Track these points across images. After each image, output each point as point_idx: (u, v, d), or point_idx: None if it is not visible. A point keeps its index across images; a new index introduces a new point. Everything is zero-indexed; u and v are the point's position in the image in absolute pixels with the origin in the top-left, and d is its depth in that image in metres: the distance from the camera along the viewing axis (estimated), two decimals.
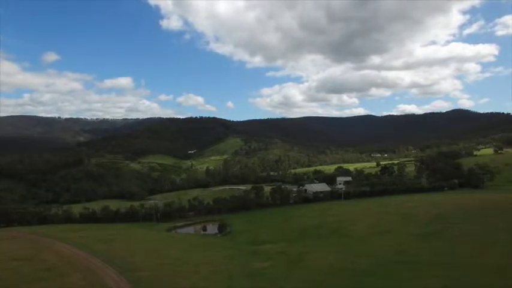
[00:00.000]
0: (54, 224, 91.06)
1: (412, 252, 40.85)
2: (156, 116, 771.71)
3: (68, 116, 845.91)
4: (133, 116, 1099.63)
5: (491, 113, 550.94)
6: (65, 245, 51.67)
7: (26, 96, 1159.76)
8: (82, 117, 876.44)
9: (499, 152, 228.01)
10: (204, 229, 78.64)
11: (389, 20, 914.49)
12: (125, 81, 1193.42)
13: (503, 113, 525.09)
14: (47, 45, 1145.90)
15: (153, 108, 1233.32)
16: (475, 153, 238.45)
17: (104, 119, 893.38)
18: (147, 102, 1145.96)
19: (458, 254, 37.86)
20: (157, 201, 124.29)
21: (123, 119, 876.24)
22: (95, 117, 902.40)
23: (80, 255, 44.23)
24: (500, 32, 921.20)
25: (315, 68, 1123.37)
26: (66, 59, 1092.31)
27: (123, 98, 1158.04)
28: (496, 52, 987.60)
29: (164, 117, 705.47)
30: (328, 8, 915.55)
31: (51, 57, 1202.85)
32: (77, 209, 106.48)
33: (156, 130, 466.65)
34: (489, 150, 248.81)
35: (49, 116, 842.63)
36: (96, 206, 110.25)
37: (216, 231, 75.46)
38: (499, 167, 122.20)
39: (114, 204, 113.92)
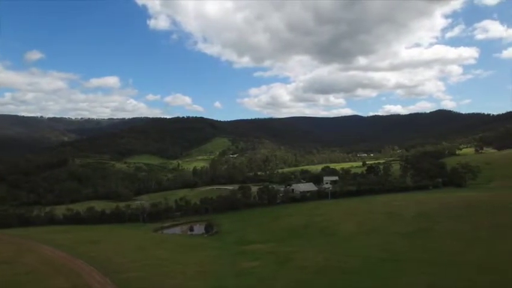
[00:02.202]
0: (37, 226, 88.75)
1: (398, 250, 41.42)
2: (143, 116, 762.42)
3: (51, 116, 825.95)
4: (120, 115, 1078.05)
5: (473, 114, 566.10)
6: (48, 247, 50.36)
7: (8, 95, 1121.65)
8: (66, 116, 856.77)
9: (480, 151, 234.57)
10: (191, 229, 78.02)
11: (375, 22, 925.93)
12: (111, 80, 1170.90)
13: (483, 113, 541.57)
14: (31, 43, 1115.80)
15: (140, 108, 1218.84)
16: (457, 152, 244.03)
17: (89, 118, 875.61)
18: (134, 102, 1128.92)
19: (443, 252, 38.58)
20: (143, 201, 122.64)
21: (109, 118, 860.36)
22: (79, 117, 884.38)
23: (63, 258, 43.18)
24: (479, 35, 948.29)
25: (303, 69, 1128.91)
26: (50, 57, 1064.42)
27: (110, 97, 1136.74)
28: (476, 55, 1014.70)
29: (151, 117, 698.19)
30: (316, 9, 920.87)
31: (34, 55, 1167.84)
32: (60, 210, 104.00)
33: (142, 130, 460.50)
34: (471, 150, 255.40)
35: (31, 115, 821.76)
36: (80, 207, 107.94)
37: (203, 231, 75.01)
38: (480, 166, 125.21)
39: (99, 205, 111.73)
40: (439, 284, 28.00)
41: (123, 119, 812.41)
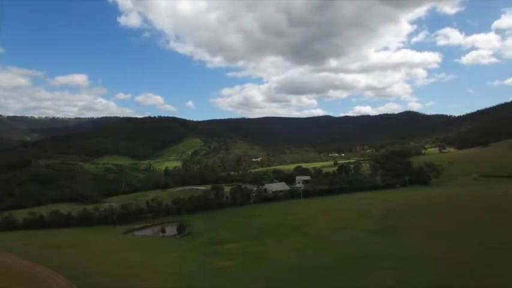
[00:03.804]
0: None
1: (368, 246, 42.59)
2: (113, 115, 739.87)
3: (12, 115, 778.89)
4: (88, 115, 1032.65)
5: (437, 115, 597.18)
6: (6, 254, 47.29)
7: None
8: (29, 115, 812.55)
9: (443, 151, 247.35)
10: (163, 231, 76.50)
11: (346, 25, 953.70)
12: (79, 78, 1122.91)
13: (446, 115, 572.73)
14: None
15: (110, 107, 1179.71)
16: (423, 152, 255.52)
17: (54, 117, 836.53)
18: (103, 101, 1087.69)
19: (410, 247, 40.11)
20: (113, 203, 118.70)
21: (76, 118, 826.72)
22: (44, 116, 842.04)
23: (23, 265, 40.76)
24: (441, 41, 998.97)
25: (275, 70, 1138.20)
26: (10, 52, 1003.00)
27: (78, 96, 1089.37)
28: (439, 60, 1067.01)
29: (121, 116, 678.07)
30: (288, 11, 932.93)
31: None
32: (21, 214, 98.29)
33: (112, 130, 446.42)
34: (435, 150, 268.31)
35: None
36: (44, 210, 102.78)
37: (175, 232, 73.76)
38: (443, 165, 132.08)
39: (65, 208, 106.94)
40: (406, 278, 29.05)
41: (92, 118, 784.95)
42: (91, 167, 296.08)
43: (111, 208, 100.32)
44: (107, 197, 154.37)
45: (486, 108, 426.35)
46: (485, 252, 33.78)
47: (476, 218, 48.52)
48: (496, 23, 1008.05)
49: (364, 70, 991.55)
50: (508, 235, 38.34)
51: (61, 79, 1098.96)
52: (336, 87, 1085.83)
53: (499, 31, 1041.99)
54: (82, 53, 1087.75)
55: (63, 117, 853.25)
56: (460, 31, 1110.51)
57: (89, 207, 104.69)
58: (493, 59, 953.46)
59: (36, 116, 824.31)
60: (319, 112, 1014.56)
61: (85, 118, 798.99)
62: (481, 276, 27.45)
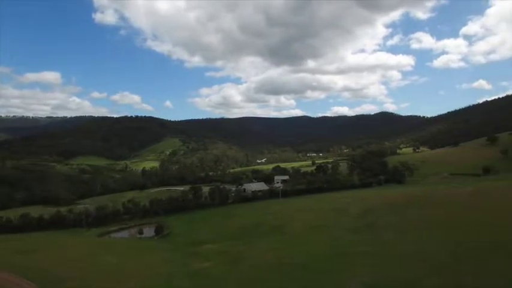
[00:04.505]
0: None
1: (346, 245, 43.42)
2: (87, 115, 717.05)
3: None
4: (61, 114, 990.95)
5: (411, 116, 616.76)
6: None
7: None
8: None
9: (417, 150, 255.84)
10: (141, 232, 75.09)
11: (324, 27, 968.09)
12: (51, 76, 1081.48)
13: (419, 116, 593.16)
14: None
15: (84, 106, 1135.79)
16: (398, 152, 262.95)
17: (23, 116, 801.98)
18: (77, 100, 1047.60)
19: (384, 244, 41.21)
20: (87, 205, 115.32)
21: (48, 117, 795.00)
22: (11, 115, 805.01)
23: None
24: (414, 45, 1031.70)
25: (254, 70, 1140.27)
26: None
27: (50, 94, 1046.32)
28: (412, 62, 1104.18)
29: (96, 115, 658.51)
30: (267, 12, 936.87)
31: None
32: None
33: (87, 129, 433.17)
34: (409, 149, 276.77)
35: None
36: (13, 213, 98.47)
37: (153, 233, 72.62)
38: (416, 164, 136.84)
39: (36, 211, 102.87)
40: (382, 275, 29.85)
41: (65, 117, 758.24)
42: (64, 168, 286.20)
43: (85, 210, 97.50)
44: (82, 199, 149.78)
45: (455, 110, 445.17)
46: (460, 249, 34.78)
47: (450, 215, 50.13)
48: (464, 29, 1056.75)
49: (341, 71, 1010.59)
50: (481, 232, 39.59)
51: (31, 76, 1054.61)
52: (313, 88, 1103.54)
53: (467, 37, 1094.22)
54: (54, 50, 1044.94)
55: (34, 116, 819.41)
56: (432, 36, 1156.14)
57: (63, 209, 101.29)
58: (462, 63, 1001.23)
59: (3, 115, 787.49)
60: (297, 112, 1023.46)
61: (58, 117, 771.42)
62: (456, 273, 28.46)
